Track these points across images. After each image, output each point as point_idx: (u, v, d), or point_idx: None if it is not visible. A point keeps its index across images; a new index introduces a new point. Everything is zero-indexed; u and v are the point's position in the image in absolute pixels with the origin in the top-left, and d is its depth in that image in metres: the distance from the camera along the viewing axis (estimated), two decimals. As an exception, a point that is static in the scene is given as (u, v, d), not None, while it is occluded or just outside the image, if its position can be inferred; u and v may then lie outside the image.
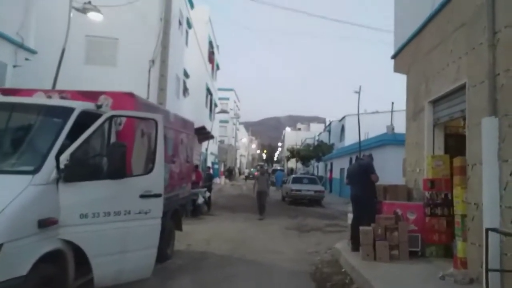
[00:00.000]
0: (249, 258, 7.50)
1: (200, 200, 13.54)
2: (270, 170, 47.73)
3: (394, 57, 9.11)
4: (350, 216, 8.06)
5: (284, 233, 11.00)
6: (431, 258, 6.70)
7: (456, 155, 6.98)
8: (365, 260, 6.64)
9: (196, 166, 15.74)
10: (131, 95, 5.05)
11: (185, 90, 25.45)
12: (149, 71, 15.33)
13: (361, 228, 6.94)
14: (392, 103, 21.93)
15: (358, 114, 17.61)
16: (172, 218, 7.12)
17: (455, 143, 7.31)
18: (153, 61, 15.33)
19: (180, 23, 20.86)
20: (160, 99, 14.69)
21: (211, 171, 17.04)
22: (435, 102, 7.06)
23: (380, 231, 6.84)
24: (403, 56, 8.56)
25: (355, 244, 7.33)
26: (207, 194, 14.87)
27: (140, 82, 15.12)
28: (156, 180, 4.51)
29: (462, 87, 5.88)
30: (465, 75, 5.76)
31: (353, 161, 24.29)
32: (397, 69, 8.97)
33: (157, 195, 4.49)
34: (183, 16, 21.46)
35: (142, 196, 4.29)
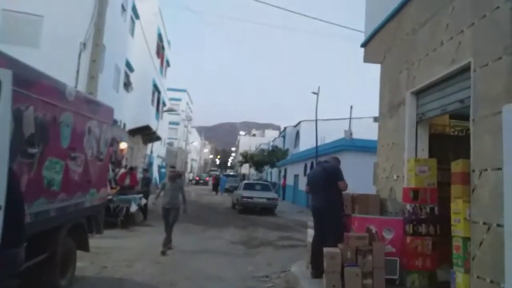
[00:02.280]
0: (179, 289, 5.68)
1: (133, 208, 11.49)
2: (221, 176, 46.56)
3: (364, 44, 7.72)
4: (310, 232, 6.47)
5: (229, 249, 9.24)
6: (414, 290, 5.24)
7: (443, 161, 5.65)
8: (330, 294, 5.06)
9: (131, 168, 13.65)
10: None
11: (128, 84, 23.12)
12: (79, 55, 13.11)
13: (325, 250, 5.35)
14: (351, 107, 20.89)
15: (316, 116, 16.31)
16: (72, 236, 5.17)
17: (439, 145, 5.99)
18: (84, 44, 13.15)
19: (123, 8, 18.65)
20: (90, 88, 12.51)
21: (148, 174, 14.92)
22: (420, 93, 5.66)
23: (350, 254, 5.29)
24: (377, 41, 7.16)
25: (317, 269, 5.76)
26: (143, 201, 12.81)
27: (68, 67, 12.90)
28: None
29: (464, 69, 4.48)
30: (470, 53, 4.36)
31: (310, 167, 22.98)
32: (368, 58, 7.57)
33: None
34: (127, 2, 19.24)
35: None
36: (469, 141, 4.26)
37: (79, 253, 5.59)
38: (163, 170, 42.07)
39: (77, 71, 12.94)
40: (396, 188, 5.98)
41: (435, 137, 5.97)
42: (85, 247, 5.60)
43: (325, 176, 5.83)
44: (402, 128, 5.91)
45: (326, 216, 5.75)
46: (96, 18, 12.87)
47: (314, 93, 16.41)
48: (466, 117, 6.29)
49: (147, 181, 13.91)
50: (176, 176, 9.11)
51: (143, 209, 13.14)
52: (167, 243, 8.23)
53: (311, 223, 6.45)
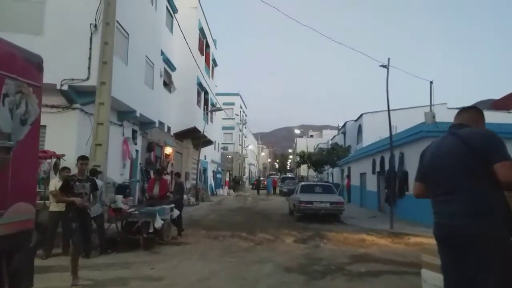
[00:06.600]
0: None
1: (159, 223, 8.89)
2: (267, 178, 49.31)
3: None
4: (427, 275, 3.29)
5: (280, 282, 6.22)
6: None
7: None
8: None
9: (159, 172, 11.19)
10: None
11: (169, 83, 21.07)
12: (91, 39, 10.91)
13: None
14: (431, 83, 16.70)
15: (387, 92, 12.71)
16: None
17: None
18: (95, 26, 10.94)
19: (152, -5, 16.48)
20: (102, 76, 10.23)
21: (182, 179, 12.33)
22: None
23: None
24: None
25: None
26: (176, 212, 10.24)
27: (77, 54, 10.77)
28: None
29: None
30: None
31: (380, 162, 18.48)
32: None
33: None
34: (156, -13, 17.08)
35: None
36: None
37: None
38: (218, 175, 40.16)
39: (89, 58, 10.74)
40: None
41: None
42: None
43: (467, 155, 2.58)
44: None
45: (476, 246, 2.51)
46: (106, -9, 10.65)
47: (383, 66, 12.97)
48: None
49: (180, 188, 11.33)
50: (84, 171, 6.13)
51: (177, 222, 10.59)
52: None
53: (428, 258, 3.27)
